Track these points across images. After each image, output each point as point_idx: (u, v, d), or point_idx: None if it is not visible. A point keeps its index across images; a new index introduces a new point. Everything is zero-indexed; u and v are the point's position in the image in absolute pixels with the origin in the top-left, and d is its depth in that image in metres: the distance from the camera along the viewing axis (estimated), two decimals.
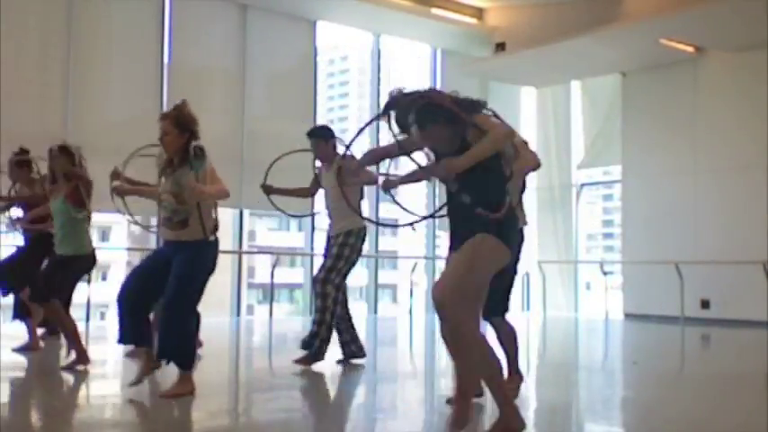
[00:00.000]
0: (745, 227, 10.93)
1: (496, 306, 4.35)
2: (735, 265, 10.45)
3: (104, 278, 26.47)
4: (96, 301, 9.31)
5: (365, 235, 5.74)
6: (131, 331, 4.48)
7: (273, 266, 11.70)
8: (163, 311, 4.43)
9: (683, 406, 3.94)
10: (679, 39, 11.30)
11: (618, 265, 13.43)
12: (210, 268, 4.52)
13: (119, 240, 28.34)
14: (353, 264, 5.71)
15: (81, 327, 9.38)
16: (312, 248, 12.28)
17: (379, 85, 13.72)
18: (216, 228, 4.55)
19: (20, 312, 6.78)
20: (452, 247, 3.41)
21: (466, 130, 3.27)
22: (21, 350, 6.49)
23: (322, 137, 5.75)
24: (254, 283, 25.27)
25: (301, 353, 5.71)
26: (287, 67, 12.02)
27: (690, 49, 11.59)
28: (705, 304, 11.16)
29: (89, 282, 9.85)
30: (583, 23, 11.10)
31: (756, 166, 10.74)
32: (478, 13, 13.00)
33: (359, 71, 44.43)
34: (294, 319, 15.04)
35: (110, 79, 10.47)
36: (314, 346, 5.63)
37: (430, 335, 9.77)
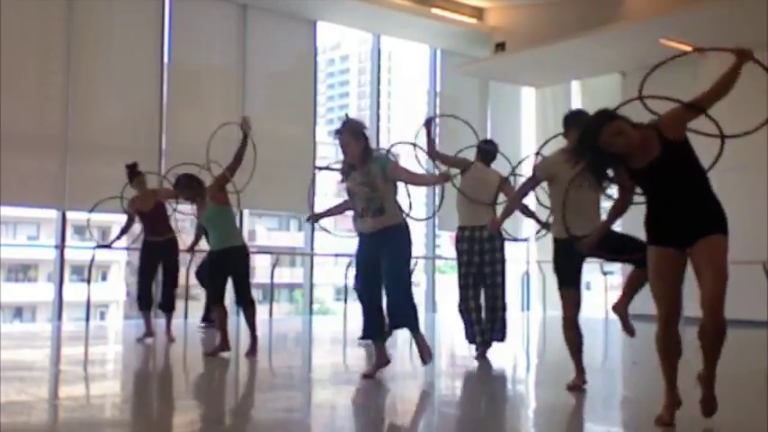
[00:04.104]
0: (745, 227, 10.86)
1: None
2: (735, 265, 10.39)
3: (104, 278, 26.46)
4: (96, 301, 9.30)
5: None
6: (373, 327, 5.20)
7: (273, 266, 11.70)
8: (389, 291, 5.10)
9: (683, 406, 3.92)
10: (679, 39, 11.29)
11: (618, 265, 13.41)
12: (412, 243, 5.19)
13: (118, 240, 28.36)
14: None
15: (81, 327, 9.42)
16: (312, 248, 12.28)
17: (378, 85, 13.72)
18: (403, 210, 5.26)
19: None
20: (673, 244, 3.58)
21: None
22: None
23: None
24: (254, 283, 25.24)
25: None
26: (287, 67, 12.02)
27: (690, 49, 11.58)
28: None
29: (89, 282, 9.86)
30: (583, 23, 11.10)
31: (756, 167, 10.74)
32: (478, 13, 13.00)
33: (359, 71, 44.44)
34: (294, 319, 15.04)
35: (110, 79, 10.47)
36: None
37: (430, 335, 9.76)
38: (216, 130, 7.29)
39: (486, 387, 5.43)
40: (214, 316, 6.90)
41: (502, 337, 6.45)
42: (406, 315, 5.09)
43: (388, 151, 6.44)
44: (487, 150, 6.48)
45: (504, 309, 6.42)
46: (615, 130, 3.50)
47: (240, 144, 6.35)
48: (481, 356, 6.30)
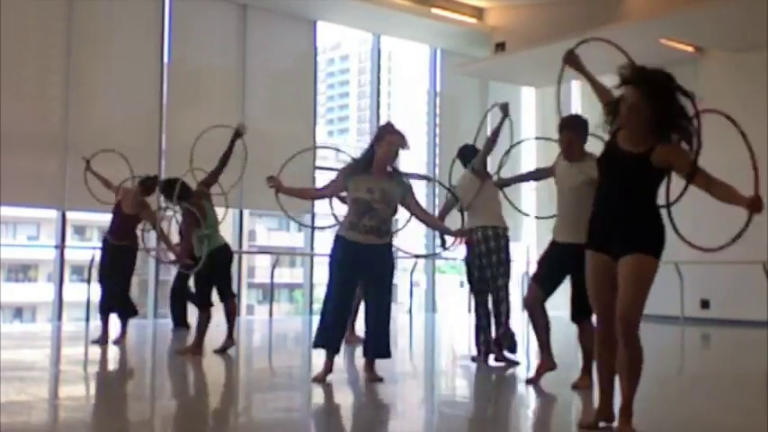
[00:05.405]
0: None
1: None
2: (735, 265, 10.43)
3: None
4: (96, 301, 9.29)
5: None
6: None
7: (273, 266, 11.70)
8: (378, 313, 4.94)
9: (683, 406, 3.95)
10: (679, 39, 11.29)
11: None
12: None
13: None
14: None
15: (81, 327, 9.41)
16: (312, 248, 12.28)
17: (378, 85, 13.72)
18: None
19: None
20: None
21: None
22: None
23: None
24: (254, 283, 25.27)
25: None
26: (287, 66, 12.02)
27: (690, 49, 11.59)
28: (705, 304, 11.14)
29: (89, 282, 9.85)
30: (583, 23, 11.07)
31: None
32: (478, 12, 13.01)
33: (359, 71, 44.43)
34: (294, 319, 15.04)
35: (110, 79, 10.47)
36: None
37: (430, 335, 9.77)
38: (201, 134, 7.19)
39: (486, 387, 5.43)
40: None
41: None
42: (386, 344, 5.01)
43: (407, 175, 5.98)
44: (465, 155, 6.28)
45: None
46: (626, 103, 3.63)
47: (227, 148, 6.42)
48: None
